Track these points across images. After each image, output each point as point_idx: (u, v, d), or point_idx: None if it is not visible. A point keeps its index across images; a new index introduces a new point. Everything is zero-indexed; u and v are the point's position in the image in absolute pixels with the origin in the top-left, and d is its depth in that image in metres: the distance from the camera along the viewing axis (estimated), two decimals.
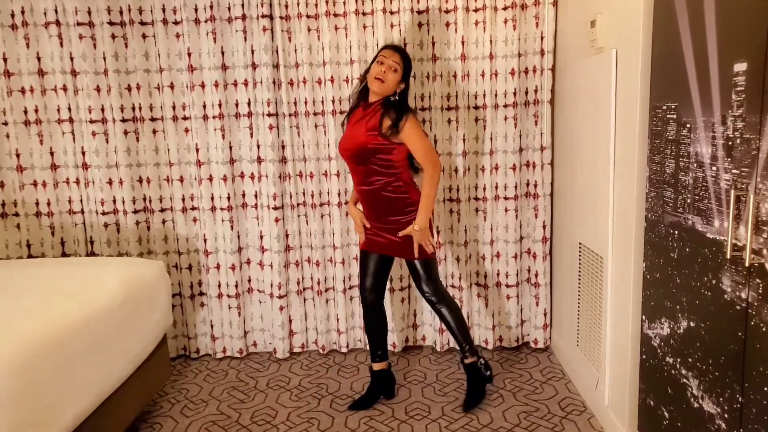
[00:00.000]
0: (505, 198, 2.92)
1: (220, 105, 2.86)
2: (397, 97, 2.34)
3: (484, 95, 2.85)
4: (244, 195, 2.99)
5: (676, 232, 1.56)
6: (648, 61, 1.74)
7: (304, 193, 2.96)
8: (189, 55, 2.83)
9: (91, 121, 2.84)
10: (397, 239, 2.35)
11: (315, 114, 2.91)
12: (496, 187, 2.93)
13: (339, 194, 2.93)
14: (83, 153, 2.88)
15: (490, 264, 2.97)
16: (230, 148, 2.92)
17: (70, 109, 2.85)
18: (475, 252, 3.00)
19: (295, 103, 2.90)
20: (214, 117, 2.88)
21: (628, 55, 1.92)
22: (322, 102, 2.90)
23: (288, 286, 3.02)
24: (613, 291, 2.13)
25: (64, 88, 2.82)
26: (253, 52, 2.85)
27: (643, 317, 1.80)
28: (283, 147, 2.91)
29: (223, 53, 2.85)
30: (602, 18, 2.13)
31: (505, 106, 2.87)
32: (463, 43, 2.80)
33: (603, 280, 2.21)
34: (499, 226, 2.96)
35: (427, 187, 2.30)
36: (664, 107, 1.62)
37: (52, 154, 2.89)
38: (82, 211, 2.94)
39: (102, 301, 2.02)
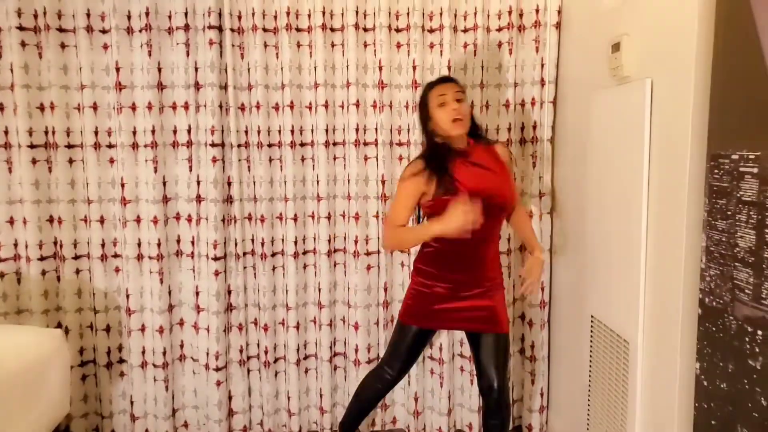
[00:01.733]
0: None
1: (153, 131, 2.34)
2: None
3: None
4: (178, 241, 2.45)
5: (760, 333, 1.08)
6: (705, 93, 1.29)
7: (252, 241, 2.43)
8: (117, 70, 2.32)
9: None
10: (487, 303, 1.92)
11: (270, 145, 2.41)
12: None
13: (296, 242, 2.41)
14: None
15: None
16: (164, 183, 2.39)
17: None
18: None
19: (246, 132, 2.40)
20: (145, 146, 2.35)
21: (669, 85, 1.47)
22: (279, 131, 2.40)
23: (228, 355, 2.45)
24: (644, 389, 1.63)
25: None
26: (196, 69, 2.36)
27: None
28: (228, 184, 2.40)
29: (159, 70, 2.35)
30: (630, 40, 1.69)
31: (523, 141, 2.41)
32: (449, 68, 2.35)
33: (629, 372, 1.71)
34: None
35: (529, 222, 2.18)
36: (735, 157, 1.16)
37: None
38: None
39: None
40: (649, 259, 1.61)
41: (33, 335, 1.90)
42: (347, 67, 2.35)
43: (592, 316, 2.01)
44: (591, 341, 2.02)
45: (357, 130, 2.37)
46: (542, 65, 2.35)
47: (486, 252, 1.90)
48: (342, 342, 2.49)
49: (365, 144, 2.40)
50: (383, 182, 2.41)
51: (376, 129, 2.39)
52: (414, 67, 2.36)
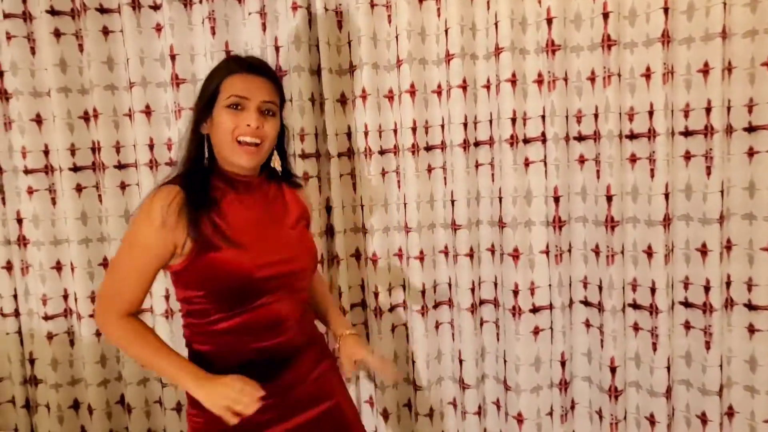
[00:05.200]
0: (750, 306, 1.49)
1: None
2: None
3: (708, 109, 1.46)
4: None
5: None
6: None
7: (362, 289, 1.71)
8: (173, 58, 1.68)
9: (27, 171, 1.76)
10: (335, 398, 1.22)
11: (382, 152, 1.66)
12: (729, 285, 1.51)
13: (423, 292, 1.64)
14: (19, 221, 1.80)
15: (717, 430, 1.54)
16: None
17: None
18: (683, 406, 1.58)
19: (348, 135, 1.67)
20: None
21: None
22: (395, 131, 1.65)
23: None
24: None
25: None
26: (277, 48, 1.66)
27: None
28: (330, 207, 1.69)
29: (228, 53, 1.68)
30: None
31: (751, 129, 1.46)
32: (666, 11, 1.45)
33: None
34: (735, 359, 1.53)
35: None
36: None
37: None
38: (17, 313, 1.85)
39: None
40: None
41: None
42: (495, 25, 1.53)
43: None
44: None
45: (514, 120, 1.55)
46: None
47: (300, 337, 1.18)
48: None
49: (525, 141, 1.57)
50: (556, 200, 1.57)
51: (543, 117, 1.56)
52: (606, 15, 1.48)
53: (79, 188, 1.76)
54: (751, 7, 1.44)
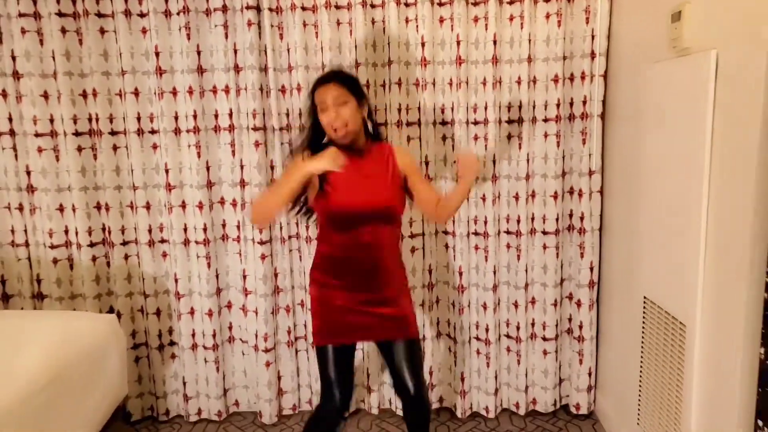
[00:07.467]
0: (544, 232, 2.38)
1: (195, 116, 2.33)
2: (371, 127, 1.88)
3: (520, 107, 2.31)
4: (224, 225, 2.46)
5: None
6: None
7: (297, 224, 2.43)
8: (157, 54, 2.30)
9: (38, 135, 2.31)
10: (394, 311, 1.80)
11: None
12: (533, 219, 2.39)
13: None
14: (28, 173, 2.35)
15: (523, 312, 2.43)
16: (207, 168, 2.39)
17: (11, 119, 2.32)
18: (505, 297, 2.47)
19: (288, 115, 2.36)
20: (187, 131, 2.35)
21: (738, 58, 1.39)
22: None
23: (276, 336, 2.48)
24: (702, 372, 1.60)
25: (4, 94, 2.29)
26: (236, 51, 2.32)
27: (759, 423, 1.28)
28: (272, 168, 2.38)
29: (199, 53, 2.32)
30: (693, 9, 1.59)
31: (546, 120, 2.33)
32: (495, 42, 2.26)
33: (685, 355, 1.67)
34: (536, 266, 2.42)
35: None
36: None
37: None
38: (27, 244, 2.41)
39: (16, 386, 1.50)
40: (709, 241, 1.55)
41: (90, 321, 1.95)
42: (388, 44, 2.29)
43: (645, 297, 1.96)
44: (644, 323, 1.98)
45: (399, 110, 2.32)
46: (593, 37, 2.24)
47: (382, 258, 1.76)
48: None
49: (408, 125, 2.35)
50: (427, 164, 2.37)
51: (419, 109, 2.34)
52: (458, 43, 2.27)
53: (79, 148, 2.34)
54: (546, 42, 2.29)
